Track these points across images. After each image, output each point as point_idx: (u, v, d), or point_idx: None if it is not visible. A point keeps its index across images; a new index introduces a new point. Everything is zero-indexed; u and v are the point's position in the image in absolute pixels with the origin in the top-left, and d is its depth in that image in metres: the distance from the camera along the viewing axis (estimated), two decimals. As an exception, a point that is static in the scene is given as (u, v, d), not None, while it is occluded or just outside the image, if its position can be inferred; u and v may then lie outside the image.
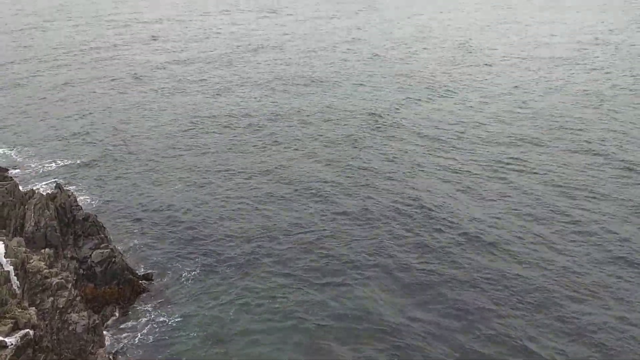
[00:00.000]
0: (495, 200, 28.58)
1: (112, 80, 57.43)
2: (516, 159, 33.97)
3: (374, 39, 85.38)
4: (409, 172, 32.45)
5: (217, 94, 51.02)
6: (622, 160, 33.04)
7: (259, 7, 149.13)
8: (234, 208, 28.65)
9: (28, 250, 17.88)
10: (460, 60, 65.38)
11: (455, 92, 50.12)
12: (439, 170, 32.60)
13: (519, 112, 43.47)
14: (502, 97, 48.03)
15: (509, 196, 29.00)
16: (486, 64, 62.94)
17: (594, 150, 34.76)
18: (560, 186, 29.92)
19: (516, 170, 32.35)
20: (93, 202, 29.79)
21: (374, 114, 43.18)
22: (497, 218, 26.73)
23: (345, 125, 41.19)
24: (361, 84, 53.66)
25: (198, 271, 22.96)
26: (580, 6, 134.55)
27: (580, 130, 38.76)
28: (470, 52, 70.92)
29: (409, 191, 29.73)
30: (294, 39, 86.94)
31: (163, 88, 53.66)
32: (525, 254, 23.41)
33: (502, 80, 54.58)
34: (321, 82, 54.60)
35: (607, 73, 56.36)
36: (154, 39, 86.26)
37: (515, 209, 27.45)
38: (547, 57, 65.92)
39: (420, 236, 25.07)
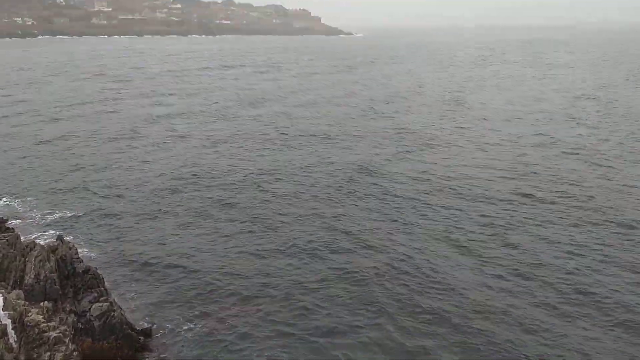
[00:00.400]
0: (489, 260, 28.07)
1: (111, 133, 58.66)
2: (510, 214, 33.73)
3: (371, 93, 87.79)
4: (399, 229, 31.96)
5: (213, 147, 51.95)
6: (617, 217, 32.85)
7: (258, 62, 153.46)
8: (233, 260, 28.43)
9: (27, 303, 17.63)
10: (455, 115, 66.96)
11: (448, 146, 50.70)
12: (430, 226, 32.16)
13: (513, 167, 43.75)
14: (496, 152, 48.45)
15: (508, 255, 28.55)
16: (481, 119, 64.30)
17: (588, 206, 34.60)
18: (558, 243, 29.57)
19: (512, 225, 32.15)
20: (93, 253, 29.59)
21: (364, 167, 43.53)
22: (496, 278, 26.24)
23: (335, 178, 41.28)
24: (355, 137, 54.37)
25: (199, 326, 22.56)
26: (569, 63, 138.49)
27: (573, 185, 38.81)
28: (465, 107, 72.81)
29: (398, 248, 28.98)
30: (290, 92, 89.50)
31: (160, 141, 54.81)
32: (523, 320, 22.79)
33: (496, 134, 55.40)
34: (315, 135, 55.56)
35: (598, 128, 57.58)
36: (153, 93, 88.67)
37: (514, 269, 26.93)
38: (540, 112, 67.54)
39: (412, 299, 24.36)
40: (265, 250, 29.46)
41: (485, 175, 41.67)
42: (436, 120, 64.01)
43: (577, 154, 47.58)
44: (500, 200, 36.32)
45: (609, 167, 43.49)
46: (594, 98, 78.47)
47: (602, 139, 53.26)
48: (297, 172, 43.38)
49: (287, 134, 57.21)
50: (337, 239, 30.51)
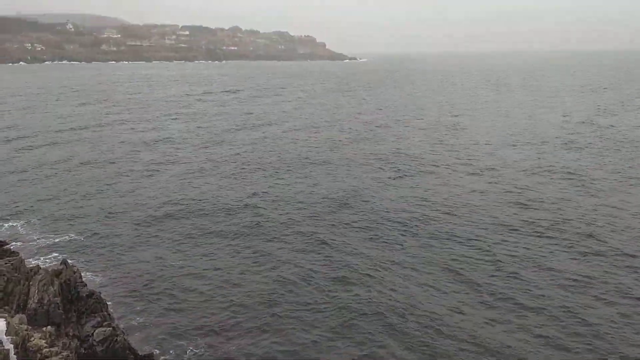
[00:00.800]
0: (483, 287, 27.50)
1: (112, 156, 59.32)
2: (506, 241, 33.16)
3: (365, 118, 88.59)
4: (393, 256, 31.34)
5: (212, 170, 52.37)
6: (611, 246, 32.20)
7: (259, 87, 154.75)
8: (235, 288, 28.19)
9: (30, 327, 17.46)
10: (448, 140, 66.99)
11: (443, 171, 50.46)
12: (424, 253, 31.55)
13: (506, 196, 43.25)
14: (488, 179, 47.67)
15: (504, 284, 27.93)
16: (477, 143, 64.27)
17: (583, 233, 33.96)
18: (556, 272, 28.95)
19: (507, 253, 31.64)
20: (97, 277, 29.45)
21: (358, 192, 43.15)
22: (492, 309, 25.84)
23: (330, 203, 40.88)
24: (352, 161, 54.36)
25: (203, 352, 22.28)
26: (566, 89, 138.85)
27: (567, 213, 38.18)
28: (461, 131, 72.98)
29: (381, 288, 27.57)
30: (288, 116, 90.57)
31: (161, 164, 55.36)
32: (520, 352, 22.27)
33: (490, 161, 54.99)
34: (309, 159, 55.43)
35: (596, 155, 57.25)
36: (154, 117, 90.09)
37: (509, 298, 26.30)
38: (536, 138, 67.62)
39: (405, 329, 23.78)
40: (265, 277, 29.13)
41: (480, 202, 41.15)
42: (432, 145, 64.11)
43: (572, 179, 47.29)
44: (496, 226, 35.70)
45: (605, 193, 42.98)
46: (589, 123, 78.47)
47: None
48: (291, 197, 43.04)
49: (281, 158, 57.13)
50: (334, 268, 29.92)
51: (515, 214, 38.28)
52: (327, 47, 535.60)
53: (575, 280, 27.99)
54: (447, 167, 52.80)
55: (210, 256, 31.94)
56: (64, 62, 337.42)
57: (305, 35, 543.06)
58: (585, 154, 57.25)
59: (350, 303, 25.97)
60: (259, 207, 40.27)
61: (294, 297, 26.74)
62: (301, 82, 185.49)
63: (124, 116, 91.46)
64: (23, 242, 34.15)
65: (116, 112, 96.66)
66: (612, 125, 75.65)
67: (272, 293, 27.16)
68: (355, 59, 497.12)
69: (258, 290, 27.52)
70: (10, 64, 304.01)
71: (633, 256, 30.68)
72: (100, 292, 23.81)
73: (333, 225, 36.75)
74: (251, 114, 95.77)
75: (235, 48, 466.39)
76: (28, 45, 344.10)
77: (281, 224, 37.01)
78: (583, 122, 79.35)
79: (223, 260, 31.27)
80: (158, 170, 52.38)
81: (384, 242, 33.70)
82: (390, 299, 26.28)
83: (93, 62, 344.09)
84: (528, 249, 32.08)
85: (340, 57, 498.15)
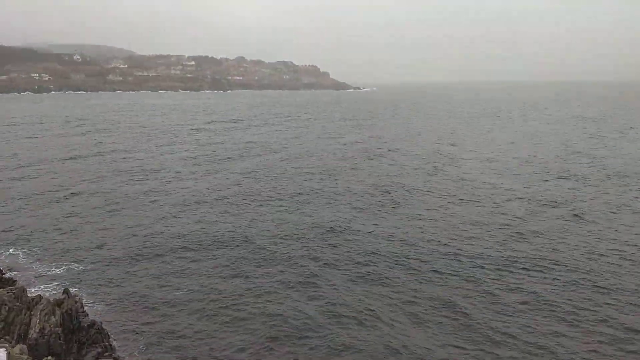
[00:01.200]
0: (475, 326, 27.03)
1: (115, 184, 59.45)
2: (497, 274, 32.73)
3: (364, 147, 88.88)
4: (381, 292, 30.49)
5: (208, 197, 52.52)
6: (611, 282, 31.78)
7: (261, 116, 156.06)
8: (238, 319, 27.87)
9: (30, 358, 17.20)
10: (438, 171, 66.77)
11: (427, 205, 49.67)
12: (413, 287, 30.82)
13: (499, 223, 43.02)
14: (477, 213, 46.76)
15: (498, 322, 27.55)
16: (463, 177, 63.88)
17: (575, 269, 33.26)
18: (550, 307, 28.47)
19: (501, 290, 31.23)
20: (98, 306, 29.13)
21: (331, 229, 41.90)
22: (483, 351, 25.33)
23: (314, 238, 39.83)
24: (341, 194, 53.65)
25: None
26: (557, 119, 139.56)
27: (564, 245, 37.72)
28: (455, 162, 72.85)
29: (374, 323, 26.88)
30: (284, 146, 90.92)
31: (158, 193, 55.39)
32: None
33: (479, 193, 54.41)
34: (299, 193, 54.57)
35: (592, 186, 56.96)
36: (150, 146, 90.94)
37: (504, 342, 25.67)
38: (528, 168, 67.50)
39: None
40: (263, 311, 28.81)
41: (471, 233, 40.71)
42: (428, 174, 64.12)
43: (561, 208, 47.18)
44: (492, 258, 35.20)
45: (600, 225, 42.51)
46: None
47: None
48: (285, 227, 42.66)
49: (277, 187, 56.89)
50: (326, 302, 29.39)
51: (511, 246, 37.67)
52: (330, 76, 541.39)
53: (573, 313, 27.59)
54: (442, 196, 52.71)
55: (212, 288, 31.52)
56: (69, 92, 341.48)
57: (309, 65, 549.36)
58: (581, 185, 57.22)
59: (344, 339, 25.45)
60: (256, 238, 39.74)
61: (293, 331, 26.24)
62: (303, 111, 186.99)
63: (125, 145, 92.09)
64: (24, 270, 33.95)
65: (118, 141, 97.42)
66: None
67: (272, 327, 26.63)
68: (359, 88, 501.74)
69: (258, 323, 27.06)
70: (16, 94, 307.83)
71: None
72: (101, 322, 23.54)
73: (325, 256, 36.18)
74: (251, 142, 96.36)
75: (241, 78, 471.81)
76: (35, 75, 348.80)
77: (277, 255, 36.46)
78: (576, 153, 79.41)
79: (224, 294, 30.77)
80: (156, 200, 52.05)
81: (378, 275, 32.92)
82: (383, 335, 25.78)
83: (99, 92, 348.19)
84: (524, 282, 31.47)
85: (344, 86, 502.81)
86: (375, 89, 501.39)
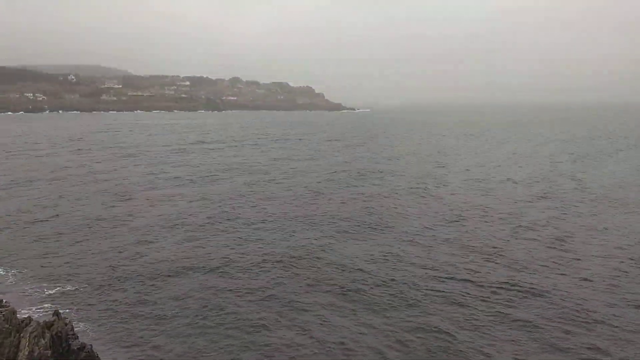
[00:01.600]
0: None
1: (102, 205, 59.22)
2: (480, 305, 32.37)
3: (351, 168, 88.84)
4: (355, 330, 29.18)
5: (193, 226, 51.84)
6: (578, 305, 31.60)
7: (250, 137, 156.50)
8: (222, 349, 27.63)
9: (18, 382, 16.94)
10: (426, 192, 66.42)
11: (412, 227, 49.28)
12: (386, 324, 29.48)
13: (478, 246, 42.92)
14: (454, 238, 45.99)
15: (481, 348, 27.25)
16: (453, 194, 64.18)
17: (545, 295, 32.88)
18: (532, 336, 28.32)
19: (485, 314, 31.23)
20: (89, 329, 28.81)
21: (310, 251, 41.37)
22: None
23: (285, 265, 38.84)
24: (315, 218, 52.69)
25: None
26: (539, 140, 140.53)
27: (538, 274, 37.19)
28: (436, 185, 72.76)
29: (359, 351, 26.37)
30: (271, 167, 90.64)
31: (146, 214, 55.25)
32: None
33: (465, 214, 54.28)
34: (280, 216, 53.93)
35: (569, 207, 57.01)
36: (137, 168, 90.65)
37: None
38: (511, 193, 67.75)
39: None
40: (246, 345, 28.58)
41: (451, 258, 40.38)
42: (412, 196, 64.27)
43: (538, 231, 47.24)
44: (471, 284, 34.90)
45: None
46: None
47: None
48: (257, 249, 42.37)
49: (260, 209, 56.68)
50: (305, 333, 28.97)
51: (492, 271, 37.25)
52: (325, 97, 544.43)
53: (558, 337, 27.55)
54: (427, 216, 52.85)
55: (202, 311, 31.31)
56: (62, 112, 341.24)
57: (304, 86, 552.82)
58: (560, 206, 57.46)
59: None
60: (237, 262, 39.21)
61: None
62: (296, 132, 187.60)
63: (111, 165, 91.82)
64: (14, 292, 33.56)
65: (107, 160, 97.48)
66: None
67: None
68: (353, 109, 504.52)
69: (251, 351, 26.70)
70: (10, 113, 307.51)
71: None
72: (92, 345, 23.21)
73: (306, 279, 35.83)
74: (239, 162, 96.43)
75: (235, 98, 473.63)
76: (29, 95, 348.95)
77: (259, 278, 36.05)
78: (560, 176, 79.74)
79: (213, 317, 30.55)
80: (143, 221, 51.75)
81: (360, 297, 32.60)
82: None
83: (93, 112, 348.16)
84: (505, 308, 31.12)
85: (338, 107, 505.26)
86: (369, 110, 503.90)
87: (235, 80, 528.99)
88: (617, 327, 28.34)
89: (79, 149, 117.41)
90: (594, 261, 39.25)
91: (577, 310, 30.42)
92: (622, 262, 38.83)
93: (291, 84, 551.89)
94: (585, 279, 35.48)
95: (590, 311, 30.37)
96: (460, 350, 26.17)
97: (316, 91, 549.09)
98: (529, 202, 60.05)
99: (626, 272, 36.62)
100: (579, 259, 39.65)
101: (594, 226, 49.08)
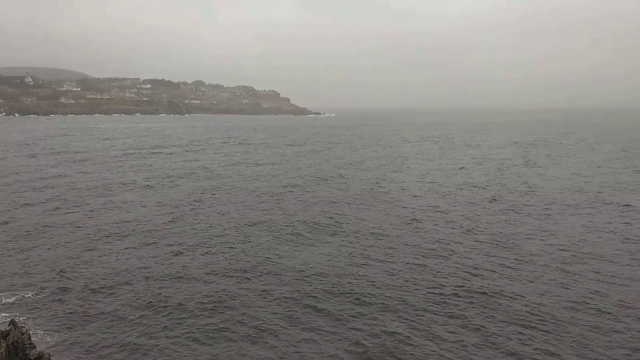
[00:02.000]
0: None
1: (58, 211, 58.02)
2: (436, 318, 33.61)
3: (311, 172, 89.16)
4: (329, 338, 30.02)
5: (159, 241, 51.40)
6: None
7: (213, 140, 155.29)
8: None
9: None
10: (385, 194, 67.19)
11: (372, 232, 49.44)
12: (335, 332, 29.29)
13: (444, 262, 44.16)
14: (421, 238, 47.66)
15: None
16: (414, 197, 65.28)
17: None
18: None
19: (441, 326, 32.15)
20: (47, 337, 28.40)
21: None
22: None
23: (239, 275, 37.74)
24: (275, 225, 52.28)
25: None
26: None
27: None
28: (395, 188, 73.91)
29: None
30: (230, 172, 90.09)
31: (108, 219, 54.19)
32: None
33: (423, 218, 55.15)
34: (235, 225, 54.42)
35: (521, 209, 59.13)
36: (92, 176, 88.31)
37: None
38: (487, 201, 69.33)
39: None
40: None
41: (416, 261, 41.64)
42: (372, 199, 65.24)
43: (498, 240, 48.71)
44: (428, 291, 36.12)
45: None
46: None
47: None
48: (211, 259, 42.36)
49: (212, 215, 56.55)
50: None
51: (448, 275, 37.70)
52: (291, 101, 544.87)
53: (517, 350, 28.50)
54: (389, 223, 53.68)
55: (170, 323, 31.13)
56: (18, 115, 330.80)
57: (269, 90, 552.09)
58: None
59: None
60: (191, 272, 38.45)
61: None
62: (260, 136, 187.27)
63: (69, 169, 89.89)
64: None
65: (61, 165, 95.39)
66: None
67: None
68: (319, 113, 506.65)
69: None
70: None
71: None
72: (50, 355, 22.95)
73: (260, 289, 35.49)
74: (199, 167, 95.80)
75: (199, 101, 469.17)
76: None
77: (211, 299, 34.67)
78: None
79: (183, 331, 30.56)
80: (102, 228, 51.18)
81: (312, 307, 32.27)
82: None
83: (51, 116, 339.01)
84: (461, 311, 31.66)
85: (304, 111, 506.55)
86: (333, 114, 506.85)
87: (198, 84, 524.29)
88: (569, 330, 29.21)
89: (33, 154, 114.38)
90: (543, 263, 40.71)
91: (531, 313, 31.25)
92: (575, 263, 40.44)
93: (256, 88, 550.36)
94: (532, 281, 36.73)
95: (543, 313, 31.21)
96: (412, 354, 26.67)
97: (282, 95, 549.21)
98: (483, 205, 61.60)
99: (577, 273, 38.00)
100: (530, 261, 41.02)
101: (546, 228, 50.82)
